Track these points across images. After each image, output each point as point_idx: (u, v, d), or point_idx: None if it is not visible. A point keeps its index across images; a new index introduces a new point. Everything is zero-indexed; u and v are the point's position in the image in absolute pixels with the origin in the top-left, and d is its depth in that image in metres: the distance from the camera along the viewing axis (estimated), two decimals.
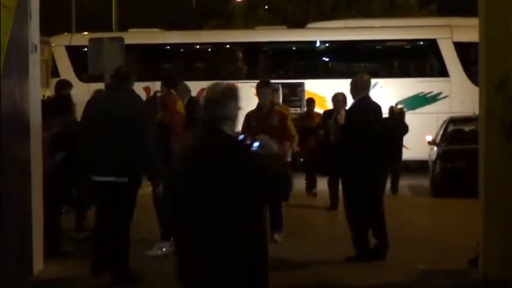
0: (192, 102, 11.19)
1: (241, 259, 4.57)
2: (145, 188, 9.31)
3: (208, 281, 4.64)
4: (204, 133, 4.80)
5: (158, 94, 10.71)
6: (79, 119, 11.38)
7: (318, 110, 16.90)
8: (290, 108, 17.50)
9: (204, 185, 4.61)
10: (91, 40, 15.87)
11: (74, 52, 23.72)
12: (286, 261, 9.43)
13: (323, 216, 13.83)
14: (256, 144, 4.94)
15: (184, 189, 4.70)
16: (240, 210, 4.57)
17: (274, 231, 10.76)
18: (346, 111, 10.25)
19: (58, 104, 10.71)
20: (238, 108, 4.85)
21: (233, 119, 4.82)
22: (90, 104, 8.97)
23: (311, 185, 16.29)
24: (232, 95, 4.86)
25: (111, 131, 8.41)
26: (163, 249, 10.23)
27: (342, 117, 10.09)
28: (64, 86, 12.46)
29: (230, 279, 4.58)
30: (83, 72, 22.13)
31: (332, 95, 13.29)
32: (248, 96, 23.50)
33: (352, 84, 10.03)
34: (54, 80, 23.48)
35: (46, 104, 12.52)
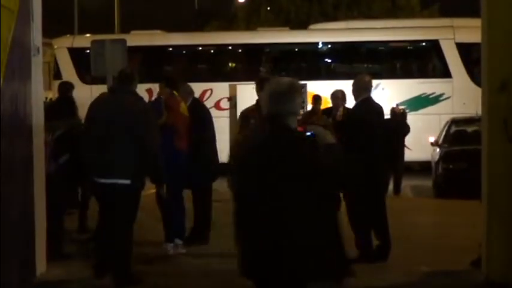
0: (195, 103, 11.18)
1: (317, 248, 4.75)
2: (147, 190, 9.30)
3: (283, 270, 4.75)
4: (269, 127, 4.92)
5: (162, 97, 10.72)
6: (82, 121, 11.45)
7: None
8: None
9: (271, 178, 4.74)
10: (93, 42, 15.89)
11: (76, 54, 23.75)
12: None
13: None
14: (308, 134, 5.02)
15: (250, 183, 4.83)
16: (308, 199, 4.72)
17: None
18: (348, 112, 10.25)
19: (62, 107, 10.70)
20: (302, 103, 5.10)
21: (297, 113, 4.99)
22: (93, 106, 8.97)
23: None
24: (297, 89, 5.00)
25: (114, 132, 8.42)
26: (168, 250, 10.25)
27: (340, 115, 10.14)
28: (68, 89, 12.47)
29: (304, 267, 4.75)
30: (85, 74, 22.20)
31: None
32: (251, 98, 23.54)
33: (353, 85, 10.01)
34: (57, 82, 23.57)
35: (49, 106, 12.55)
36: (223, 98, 23.53)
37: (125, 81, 8.85)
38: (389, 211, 10.02)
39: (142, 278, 8.75)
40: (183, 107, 10.62)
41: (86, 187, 11.16)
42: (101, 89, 14.71)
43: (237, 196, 4.98)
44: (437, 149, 18.56)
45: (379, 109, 10.04)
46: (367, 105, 9.89)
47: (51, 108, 12.40)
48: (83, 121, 11.44)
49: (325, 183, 4.83)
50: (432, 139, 19.60)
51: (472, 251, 9.18)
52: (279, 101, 4.89)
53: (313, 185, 4.74)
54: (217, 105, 23.17)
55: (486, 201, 8.62)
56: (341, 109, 11.44)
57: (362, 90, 9.93)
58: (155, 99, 10.68)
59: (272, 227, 4.74)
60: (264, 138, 4.93)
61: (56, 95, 15.49)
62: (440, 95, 23.04)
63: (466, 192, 12.08)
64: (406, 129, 17.36)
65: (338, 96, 12.30)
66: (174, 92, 10.78)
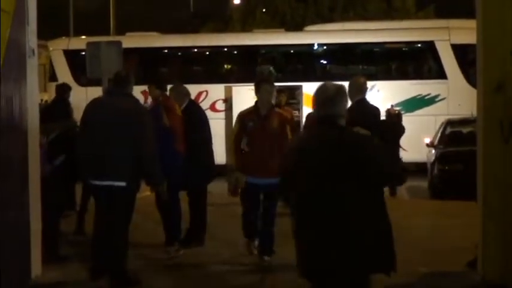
0: (191, 105, 11.16)
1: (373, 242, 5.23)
2: (142, 193, 9.29)
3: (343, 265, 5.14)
4: (323, 128, 5.31)
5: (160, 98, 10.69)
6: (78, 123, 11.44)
7: None
8: None
9: (329, 176, 5.11)
10: (89, 44, 15.87)
11: (72, 56, 23.74)
12: (282, 264, 9.39)
13: None
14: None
15: (307, 181, 5.20)
16: (364, 195, 5.13)
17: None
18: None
19: (57, 108, 10.69)
20: (346, 105, 5.40)
21: (344, 115, 5.34)
22: (89, 108, 8.96)
23: None
24: (344, 93, 5.42)
25: (110, 134, 8.42)
26: (169, 252, 10.24)
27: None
28: (65, 90, 12.45)
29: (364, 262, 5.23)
30: (81, 76, 22.18)
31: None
32: (246, 100, 23.58)
33: (348, 87, 10.02)
34: (52, 84, 23.58)
35: (45, 108, 12.54)
36: (219, 99, 23.53)
37: (121, 84, 8.85)
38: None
39: (139, 280, 8.75)
40: (178, 108, 10.62)
41: (82, 189, 11.15)
42: (96, 91, 14.74)
43: (301, 197, 5.28)
44: (433, 150, 18.56)
45: (374, 110, 10.04)
46: (361, 107, 9.89)
47: (46, 110, 12.41)
48: (78, 123, 11.50)
49: (383, 178, 5.30)
50: (428, 140, 19.61)
51: (468, 252, 9.18)
52: (328, 105, 5.30)
53: (373, 180, 5.19)
54: (212, 107, 23.16)
55: (482, 202, 8.63)
56: None
57: (357, 92, 9.95)
58: (154, 104, 10.62)
59: (339, 223, 5.13)
60: (318, 137, 5.32)
61: (52, 97, 15.50)
62: (436, 96, 23.05)
63: (462, 193, 12.10)
64: (401, 130, 17.36)
65: None
66: (165, 93, 10.80)
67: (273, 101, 9.76)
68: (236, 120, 9.73)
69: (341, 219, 5.11)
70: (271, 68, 24.34)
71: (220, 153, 21.77)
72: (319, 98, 5.40)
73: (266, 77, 10.42)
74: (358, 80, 10.16)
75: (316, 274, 5.28)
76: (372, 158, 5.13)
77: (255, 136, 9.37)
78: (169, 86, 11.11)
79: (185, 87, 11.19)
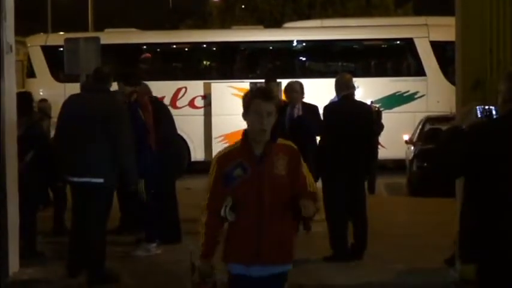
0: (155, 102, 11.11)
1: None
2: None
3: None
4: None
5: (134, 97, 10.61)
6: (39, 117, 11.37)
7: None
8: None
9: None
10: (67, 40, 15.80)
11: (50, 52, 23.59)
12: None
13: None
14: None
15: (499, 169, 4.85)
16: None
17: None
18: (326, 108, 10.16)
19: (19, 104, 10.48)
20: None
21: None
22: (66, 104, 8.92)
23: None
24: None
25: (87, 131, 8.39)
26: (149, 250, 10.22)
27: (299, 109, 10.30)
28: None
29: None
30: (59, 72, 22.05)
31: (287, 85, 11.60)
32: (224, 96, 23.48)
33: (335, 83, 10.09)
34: (30, 81, 23.47)
35: None
36: (198, 96, 23.48)
37: (99, 80, 8.81)
38: None
39: (117, 277, 8.73)
40: (150, 105, 10.62)
41: (59, 186, 11.09)
42: (74, 87, 14.63)
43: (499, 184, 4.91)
44: (412, 147, 18.61)
45: (359, 106, 10.16)
46: (346, 103, 9.95)
47: None
48: (41, 117, 11.44)
49: None
50: (406, 137, 19.65)
51: (446, 248, 9.21)
52: None
53: None
54: (191, 104, 23.09)
55: (460, 199, 8.64)
56: (299, 105, 11.14)
57: (342, 88, 9.99)
58: (131, 102, 10.52)
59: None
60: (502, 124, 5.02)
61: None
62: (415, 93, 23.09)
63: (440, 190, 12.13)
64: (380, 128, 17.38)
65: (296, 90, 11.23)
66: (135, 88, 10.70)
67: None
68: (212, 167, 5.39)
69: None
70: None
71: (199, 150, 21.63)
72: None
73: (263, 90, 5.58)
74: (345, 76, 10.23)
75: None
76: None
77: (246, 194, 5.23)
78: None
79: (146, 85, 11.07)
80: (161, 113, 10.76)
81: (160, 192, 10.73)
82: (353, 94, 10.13)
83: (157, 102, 11.23)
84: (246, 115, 5.26)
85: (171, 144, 10.67)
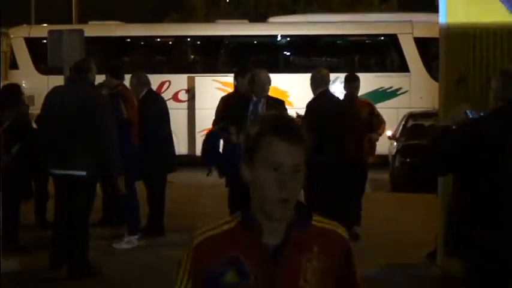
0: (151, 94, 11.07)
1: None
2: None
3: None
4: None
5: (119, 88, 10.58)
6: (29, 109, 11.34)
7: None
8: None
9: None
10: (50, 32, 15.73)
11: (33, 44, 23.49)
12: None
13: None
14: None
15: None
16: None
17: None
18: (307, 106, 10.11)
19: (6, 96, 10.43)
20: None
21: None
22: (49, 97, 8.89)
23: None
24: None
25: (70, 123, 8.36)
26: (131, 242, 10.21)
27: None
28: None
29: None
30: (42, 64, 21.97)
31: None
32: (208, 90, 23.42)
33: (311, 79, 10.05)
34: (13, 72, 23.35)
35: None
36: (181, 90, 23.44)
37: (81, 72, 8.78)
38: None
39: (100, 269, 8.72)
40: (135, 98, 10.59)
41: (41, 178, 11.05)
42: (57, 79, 14.59)
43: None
44: (395, 143, 18.65)
45: (337, 102, 10.12)
46: (323, 99, 9.92)
47: None
48: (29, 109, 11.39)
49: None
50: (389, 133, 19.68)
51: (428, 244, 9.25)
52: None
53: None
54: (175, 97, 23.05)
55: (442, 194, 8.69)
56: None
57: (318, 84, 9.97)
58: (114, 95, 10.48)
59: None
60: None
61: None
62: (398, 89, 23.14)
63: (423, 186, 12.18)
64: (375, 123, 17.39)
65: (268, 81, 10.04)
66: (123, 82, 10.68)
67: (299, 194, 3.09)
68: (183, 262, 2.95)
69: None
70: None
71: (182, 144, 21.58)
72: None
73: (283, 120, 2.84)
74: (321, 71, 10.18)
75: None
76: None
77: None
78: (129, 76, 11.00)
79: (146, 76, 11.08)
80: (152, 107, 10.73)
81: (148, 185, 10.77)
82: (329, 90, 10.09)
83: (152, 95, 11.15)
84: (249, 165, 2.86)
85: (156, 139, 10.63)
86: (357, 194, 10.81)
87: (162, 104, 11.30)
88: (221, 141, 9.77)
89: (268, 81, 9.57)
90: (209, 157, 9.93)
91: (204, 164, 10.15)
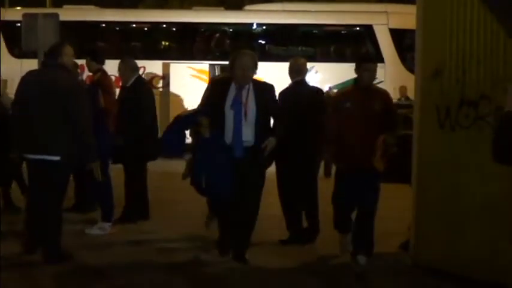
0: (139, 82, 10.99)
1: None
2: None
3: None
4: None
5: (98, 74, 10.52)
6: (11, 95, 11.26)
7: None
8: None
9: None
10: (25, 16, 15.62)
11: (7, 27, 23.31)
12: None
13: None
14: None
15: None
16: None
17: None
18: (279, 94, 10.01)
19: None
20: None
21: None
22: (23, 80, 8.82)
23: None
24: None
25: (44, 107, 8.30)
26: (104, 229, 10.20)
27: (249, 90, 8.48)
28: None
29: None
30: (16, 48, 21.82)
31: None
32: (183, 77, 23.36)
33: (288, 68, 10.05)
34: None
35: None
36: (156, 76, 23.37)
37: (54, 55, 8.72)
38: (320, 193, 10.10)
39: (71, 255, 8.70)
40: (114, 87, 10.54)
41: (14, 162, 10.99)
42: (31, 63, 14.49)
43: None
44: None
45: (312, 91, 10.11)
46: (299, 88, 9.92)
47: None
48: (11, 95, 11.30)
49: None
50: None
51: (402, 234, 9.29)
52: None
53: None
54: (149, 84, 23.00)
55: (416, 185, 8.73)
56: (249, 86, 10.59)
57: (294, 73, 9.98)
58: (91, 85, 10.41)
59: None
60: None
61: None
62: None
63: (397, 176, 12.21)
64: None
65: (249, 65, 9.24)
66: (103, 67, 10.64)
67: None
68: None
69: None
70: None
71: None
72: None
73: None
74: (298, 60, 10.17)
75: None
76: None
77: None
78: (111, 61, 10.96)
79: (135, 62, 10.99)
80: (140, 95, 10.67)
81: (128, 172, 10.76)
82: (305, 79, 10.08)
83: (140, 83, 11.06)
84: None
85: (140, 128, 10.58)
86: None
87: (150, 92, 11.30)
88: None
89: (251, 67, 8.51)
90: (168, 146, 9.13)
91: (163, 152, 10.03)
